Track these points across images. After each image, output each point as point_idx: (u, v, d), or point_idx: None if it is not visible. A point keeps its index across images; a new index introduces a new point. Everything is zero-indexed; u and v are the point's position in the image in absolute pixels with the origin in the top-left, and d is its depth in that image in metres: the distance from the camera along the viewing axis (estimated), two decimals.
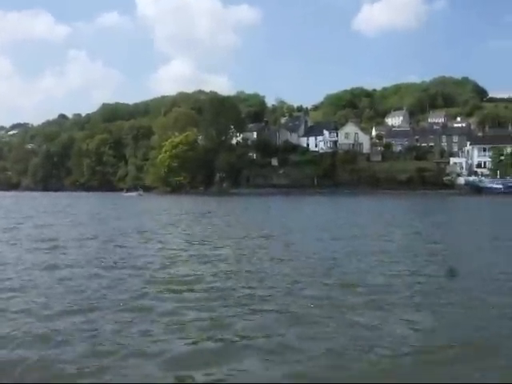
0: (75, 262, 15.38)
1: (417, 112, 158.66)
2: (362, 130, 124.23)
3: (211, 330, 8.52)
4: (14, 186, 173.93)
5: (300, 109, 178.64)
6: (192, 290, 11.43)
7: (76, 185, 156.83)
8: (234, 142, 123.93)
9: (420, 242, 21.27)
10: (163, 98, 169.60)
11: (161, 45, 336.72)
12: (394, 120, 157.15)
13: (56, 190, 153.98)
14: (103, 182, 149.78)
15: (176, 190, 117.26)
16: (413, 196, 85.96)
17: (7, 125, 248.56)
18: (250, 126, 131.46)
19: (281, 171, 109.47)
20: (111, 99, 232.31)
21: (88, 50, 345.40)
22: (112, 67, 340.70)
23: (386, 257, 16.31)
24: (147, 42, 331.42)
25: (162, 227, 28.89)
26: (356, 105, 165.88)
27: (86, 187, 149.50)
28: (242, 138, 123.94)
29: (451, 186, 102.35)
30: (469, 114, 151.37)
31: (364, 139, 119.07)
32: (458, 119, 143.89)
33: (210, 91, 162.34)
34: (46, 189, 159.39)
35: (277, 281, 12.43)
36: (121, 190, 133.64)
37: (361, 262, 15.23)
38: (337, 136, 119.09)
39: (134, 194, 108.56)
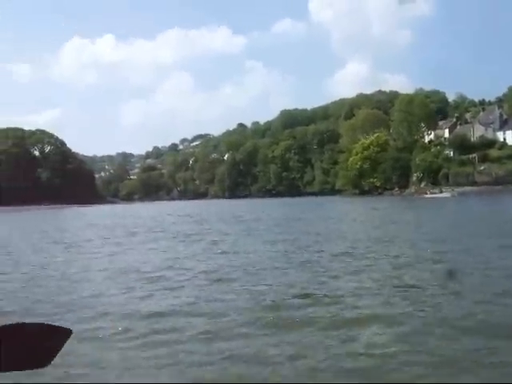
0: None
1: None
2: None
3: None
4: (201, 195, 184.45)
5: (482, 103, 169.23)
6: None
7: (263, 191, 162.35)
8: (426, 140, 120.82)
9: None
10: (342, 100, 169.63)
11: (336, 48, 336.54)
12: None
13: (243, 196, 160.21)
14: (290, 187, 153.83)
15: (366, 192, 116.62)
16: None
17: (189, 136, 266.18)
18: (440, 123, 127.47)
19: (481, 168, 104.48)
20: (289, 105, 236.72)
21: (264, 58, 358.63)
22: (288, 74, 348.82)
23: None
24: (322, 47, 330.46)
25: None
26: None
27: (274, 193, 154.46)
28: (435, 136, 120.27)
29: None
30: None
31: None
32: None
33: (390, 91, 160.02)
34: (233, 196, 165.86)
35: None
36: (311, 194, 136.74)
37: None
38: None
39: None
